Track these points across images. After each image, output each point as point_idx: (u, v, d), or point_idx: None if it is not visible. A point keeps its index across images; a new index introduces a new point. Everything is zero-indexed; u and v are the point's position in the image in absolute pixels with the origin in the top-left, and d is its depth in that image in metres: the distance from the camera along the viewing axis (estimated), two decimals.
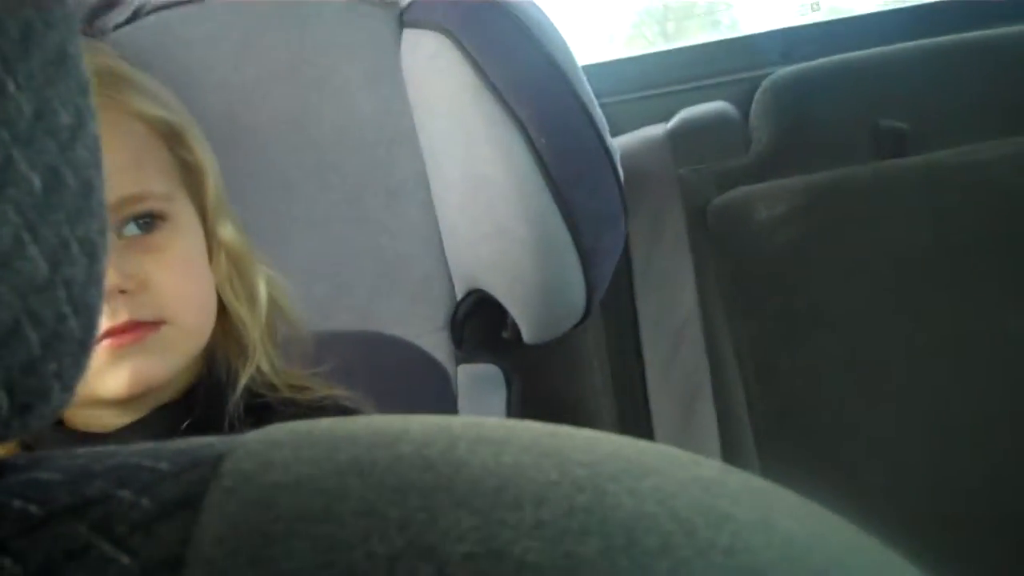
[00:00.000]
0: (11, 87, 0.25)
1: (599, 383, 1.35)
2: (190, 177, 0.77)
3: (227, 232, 0.78)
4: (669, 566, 0.21)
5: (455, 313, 1.27)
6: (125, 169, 0.72)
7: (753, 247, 1.38)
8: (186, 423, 0.73)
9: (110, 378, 0.70)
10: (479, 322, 1.28)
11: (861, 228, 1.37)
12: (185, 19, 1.22)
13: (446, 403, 1.23)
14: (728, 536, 0.22)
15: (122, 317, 0.69)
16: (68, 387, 0.29)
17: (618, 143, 1.17)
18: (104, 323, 0.68)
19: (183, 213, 0.76)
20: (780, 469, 1.32)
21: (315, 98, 1.23)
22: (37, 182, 0.26)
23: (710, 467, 0.26)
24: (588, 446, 0.26)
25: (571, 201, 1.07)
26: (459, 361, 1.28)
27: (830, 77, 1.44)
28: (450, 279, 1.27)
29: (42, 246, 0.26)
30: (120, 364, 0.70)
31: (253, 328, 0.78)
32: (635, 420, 1.34)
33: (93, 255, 0.29)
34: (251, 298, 0.79)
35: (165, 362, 0.72)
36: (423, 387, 1.22)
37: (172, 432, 0.71)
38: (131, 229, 0.72)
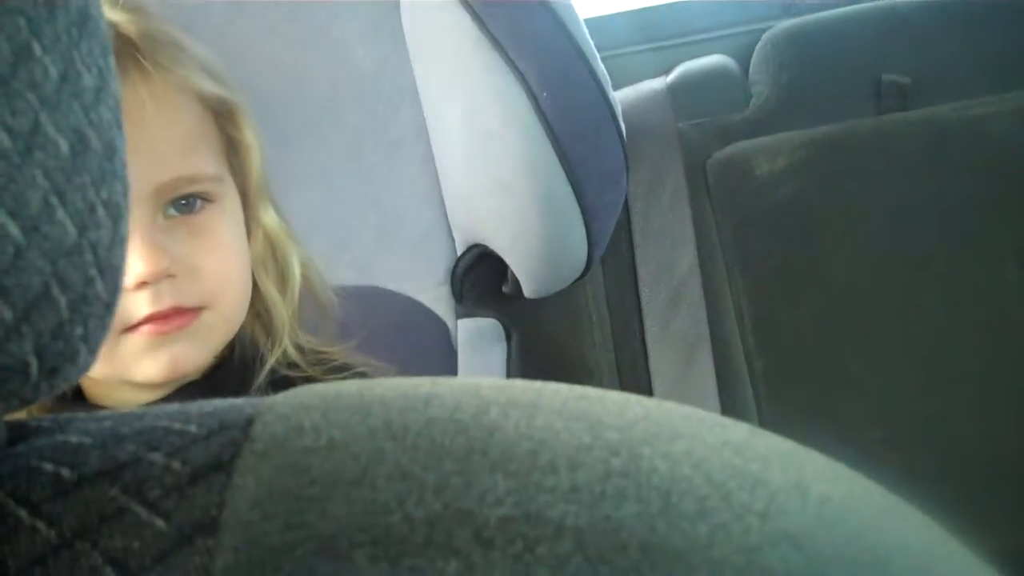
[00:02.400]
0: (37, 50, 0.25)
1: (598, 337, 1.35)
2: (236, 156, 0.76)
3: (267, 213, 0.78)
4: (707, 530, 0.21)
5: (455, 268, 1.27)
6: (180, 150, 0.70)
7: (753, 202, 1.37)
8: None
9: (147, 363, 0.69)
10: (479, 277, 1.29)
11: (862, 182, 1.37)
12: None
13: (446, 357, 1.23)
14: (763, 500, 0.22)
15: (167, 302, 0.68)
16: (93, 349, 0.29)
17: (618, 97, 1.16)
18: (147, 307, 0.68)
19: (228, 195, 0.74)
20: (779, 422, 1.33)
21: (312, 52, 1.22)
22: (64, 145, 0.26)
23: (738, 429, 0.26)
24: (618, 409, 0.26)
25: (573, 156, 1.07)
26: (459, 315, 1.28)
27: (831, 30, 1.43)
28: (450, 234, 1.27)
29: (69, 209, 0.26)
30: (159, 350, 0.69)
31: (283, 309, 0.77)
32: (634, 373, 1.35)
33: (118, 217, 0.29)
34: (284, 279, 0.78)
35: (203, 348, 0.71)
36: (423, 341, 1.23)
37: None
38: (171, 212, 0.70)
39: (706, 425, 0.26)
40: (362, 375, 0.79)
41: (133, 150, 0.66)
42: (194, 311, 0.70)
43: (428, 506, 0.22)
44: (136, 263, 0.66)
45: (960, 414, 1.35)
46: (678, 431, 0.25)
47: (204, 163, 0.72)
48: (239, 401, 0.28)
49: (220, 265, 0.72)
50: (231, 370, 0.75)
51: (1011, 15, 1.39)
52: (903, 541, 0.23)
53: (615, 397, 0.27)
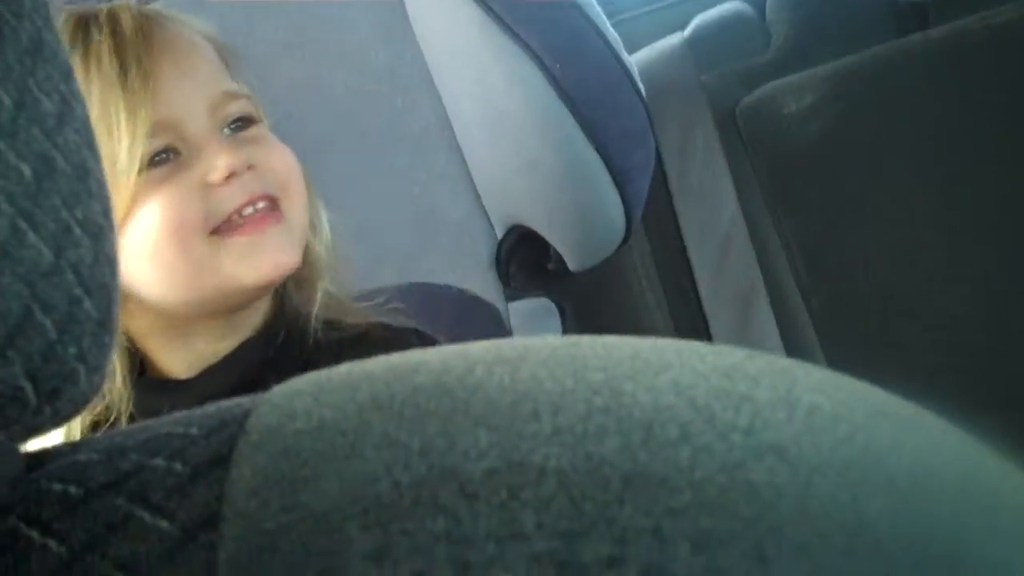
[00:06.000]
0: None
1: (651, 300, 1.35)
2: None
3: None
4: (689, 453, 0.21)
5: (498, 252, 1.27)
6: (217, 73, 0.79)
7: (786, 142, 1.35)
8: (266, 359, 0.78)
9: (251, 264, 0.74)
10: (523, 258, 1.28)
11: (892, 107, 1.34)
12: (191, 6, 1.22)
13: None
14: (747, 417, 0.22)
15: (254, 188, 0.75)
16: (95, 368, 0.29)
17: (637, 58, 1.16)
18: (239, 197, 0.75)
19: (264, 124, 0.82)
20: (843, 359, 1.31)
21: (326, 62, 1.22)
22: (27, 171, 0.26)
23: (731, 354, 0.25)
24: (606, 351, 0.25)
25: (595, 122, 1.06)
26: (509, 299, 1.28)
27: None
28: (488, 219, 1.27)
29: (41, 232, 0.26)
30: (259, 250, 0.75)
31: (320, 250, 0.83)
32: (692, 331, 1.34)
33: (98, 235, 0.29)
34: (314, 225, 0.84)
35: (290, 243, 0.77)
36: (477, 329, 1.23)
37: (254, 370, 0.77)
38: (226, 133, 0.78)
39: (697, 354, 0.25)
40: (415, 331, 0.83)
41: (182, 77, 0.75)
42: (278, 207, 0.77)
43: (414, 470, 0.22)
44: (219, 158, 0.74)
45: (1016, 332, 1.31)
46: (665, 363, 0.24)
47: (236, 86, 0.80)
48: (241, 399, 0.28)
49: (285, 161, 0.79)
50: (283, 322, 0.80)
51: None
52: (897, 441, 0.22)
53: (606, 341, 0.27)
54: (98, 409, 0.76)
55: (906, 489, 0.21)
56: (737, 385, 0.23)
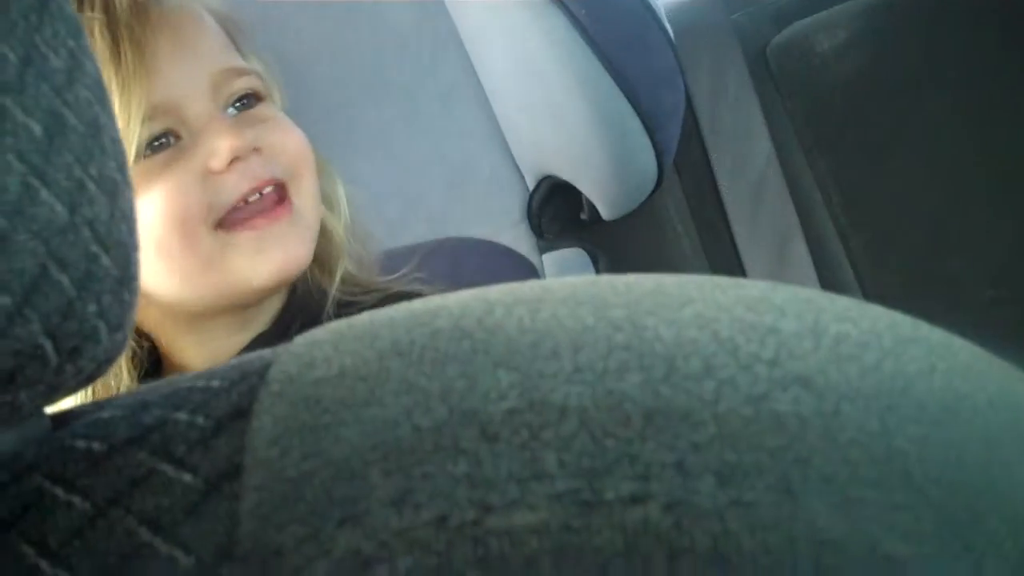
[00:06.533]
0: None
1: (686, 246, 1.34)
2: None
3: None
4: (713, 387, 0.21)
5: (530, 204, 1.27)
6: (220, 48, 0.74)
7: (820, 80, 1.33)
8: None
9: (260, 263, 0.71)
10: (555, 208, 1.28)
11: (927, 40, 1.31)
12: None
13: None
14: (772, 348, 0.21)
15: (260, 174, 0.71)
16: (116, 326, 0.29)
17: (665, 1, 1.14)
18: (244, 183, 0.70)
19: (273, 102, 0.78)
20: (886, 296, 1.29)
21: (349, 21, 1.21)
22: (37, 128, 0.26)
23: (755, 287, 0.25)
24: (626, 288, 0.25)
25: (622, 66, 1.05)
26: (542, 250, 1.27)
27: None
28: (519, 171, 1.26)
29: (54, 189, 0.26)
30: (268, 247, 0.71)
31: (337, 227, 0.80)
32: (728, 274, 1.32)
33: (114, 192, 0.29)
34: (332, 203, 0.80)
35: (301, 238, 0.73)
36: (510, 281, 1.22)
37: None
38: (231, 112, 0.74)
39: (720, 287, 0.25)
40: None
41: (181, 54, 0.71)
42: (287, 199, 0.73)
43: (434, 414, 0.22)
44: (222, 141, 0.70)
45: None
46: (688, 297, 0.24)
47: (242, 60, 0.76)
48: (260, 352, 0.28)
49: (294, 141, 0.75)
50: (299, 308, 0.77)
51: None
52: (927, 367, 0.22)
53: (627, 278, 0.26)
54: None
55: (936, 416, 0.21)
56: (762, 317, 0.23)
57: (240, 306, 0.74)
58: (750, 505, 0.19)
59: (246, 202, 0.71)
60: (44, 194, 0.25)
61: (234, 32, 0.78)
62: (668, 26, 1.09)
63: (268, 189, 0.72)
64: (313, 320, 0.75)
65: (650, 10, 1.07)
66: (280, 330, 0.76)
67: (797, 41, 1.34)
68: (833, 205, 1.32)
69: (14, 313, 0.24)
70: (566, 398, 0.21)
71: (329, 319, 0.74)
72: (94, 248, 0.27)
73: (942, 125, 1.31)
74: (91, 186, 0.28)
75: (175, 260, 0.69)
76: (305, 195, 0.74)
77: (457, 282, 0.86)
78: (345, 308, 0.77)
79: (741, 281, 0.25)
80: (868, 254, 1.32)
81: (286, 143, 0.74)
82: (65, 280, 0.26)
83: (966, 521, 0.19)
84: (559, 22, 1.04)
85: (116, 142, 0.30)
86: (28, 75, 0.26)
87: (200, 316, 0.74)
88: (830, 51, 1.32)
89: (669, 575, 0.19)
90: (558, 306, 0.24)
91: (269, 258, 0.71)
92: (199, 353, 0.76)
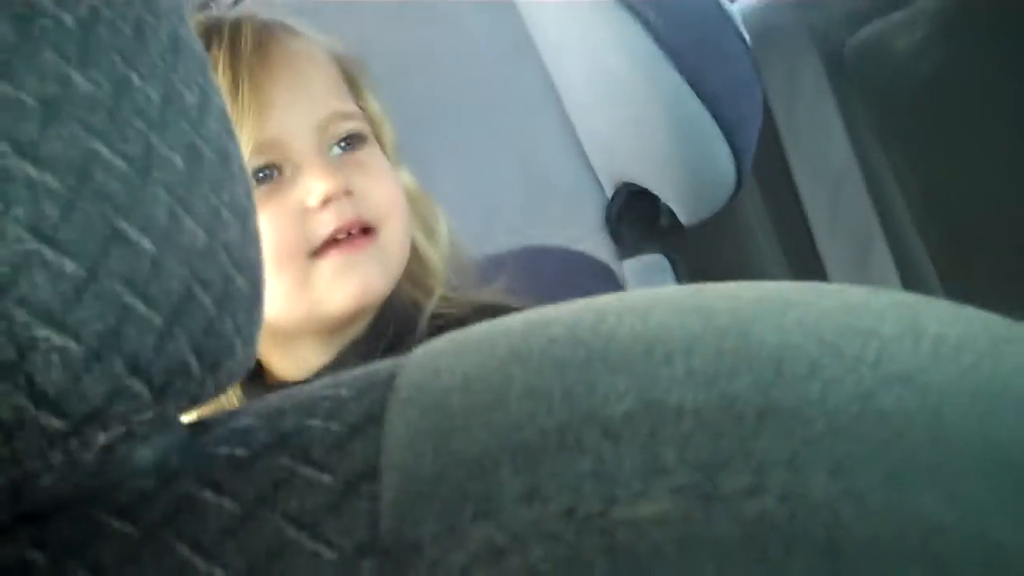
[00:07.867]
0: (136, 80, 0.27)
1: (766, 248, 1.34)
2: (371, 124, 0.83)
3: (406, 175, 0.84)
4: (820, 387, 0.22)
5: (609, 211, 1.27)
6: (330, 90, 0.79)
7: (898, 79, 1.32)
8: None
9: (339, 288, 0.75)
10: (635, 215, 1.28)
11: (1006, 37, 1.30)
12: None
13: None
14: (874, 351, 0.23)
15: (349, 214, 0.76)
16: (248, 342, 0.31)
17: (740, 5, 1.14)
18: (333, 222, 0.75)
19: (377, 144, 0.82)
20: (968, 296, 1.28)
21: (425, 33, 1.24)
22: (179, 160, 0.28)
23: (855, 292, 0.26)
24: (731, 295, 0.26)
25: (699, 72, 1.06)
26: (622, 257, 1.28)
27: None
28: (597, 179, 1.27)
29: (196, 217, 0.28)
30: (348, 274, 0.75)
31: (434, 256, 0.83)
32: (809, 277, 1.32)
33: (244, 216, 0.31)
34: (432, 232, 0.84)
35: (383, 270, 0.77)
36: (591, 288, 1.23)
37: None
38: (335, 152, 0.78)
39: (822, 293, 0.26)
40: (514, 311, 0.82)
41: (294, 95, 0.75)
42: (371, 233, 0.77)
43: (557, 416, 0.23)
44: (319, 183, 0.75)
45: None
46: (790, 302, 0.25)
47: (352, 105, 0.81)
48: (383, 362, 0.30)
49: (388, 191, 0.79)
50: (390, 324, 0.80)
51: None
52: (1022, 365, 0.23)
53: (729, 286, 0.27)
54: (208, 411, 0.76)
55: None
56: (862, 320, 0.24)
57: (327, 331, 0.78)
58: (861, 495, 0.20)
59: (336, 239, 0.76)
60: (188, 222, 0.28)
61: (355, 73, 0.82)
62: (744, 31, 1.09)
63: (355, 231, 0.76)
64: (402, 336, 0.79)
65: (725, 14, 1.08)
66: (373, 340, 0.79)
67: (874, 41, 1.34)
68: (913, 202, 1.31)
69: (165, 332, 0.27)
70: (682, 399, 0.22)
71: (423, 335, 0.78)
72: (230, 270, 0.29)
73: (1018, 119, 1.30)
74: (225, 212, 0.30)
75: (269, 283, 0.72)
76: (393, 237, 0.78)
77: (539, 289, 0.88)
78: (434, 319, 0.80)
79: (841, 287, 0.27)
80: (950, 253, 1.31)
81: (377, 190, 0.78)
82: (208, 300, 0.28)
83: None
84: (634, 29, 1.06)
85: (243, 169, 0.33)
86: (169, 113, 0.29)
87: (288, 334, 0.78)
88: (908, 50, 1.31)
89: (785, 564, 0.20)
90: (667, 314, 0.26)
91: (347, 282, 0.75)
92: (293, 364, 0.80)
